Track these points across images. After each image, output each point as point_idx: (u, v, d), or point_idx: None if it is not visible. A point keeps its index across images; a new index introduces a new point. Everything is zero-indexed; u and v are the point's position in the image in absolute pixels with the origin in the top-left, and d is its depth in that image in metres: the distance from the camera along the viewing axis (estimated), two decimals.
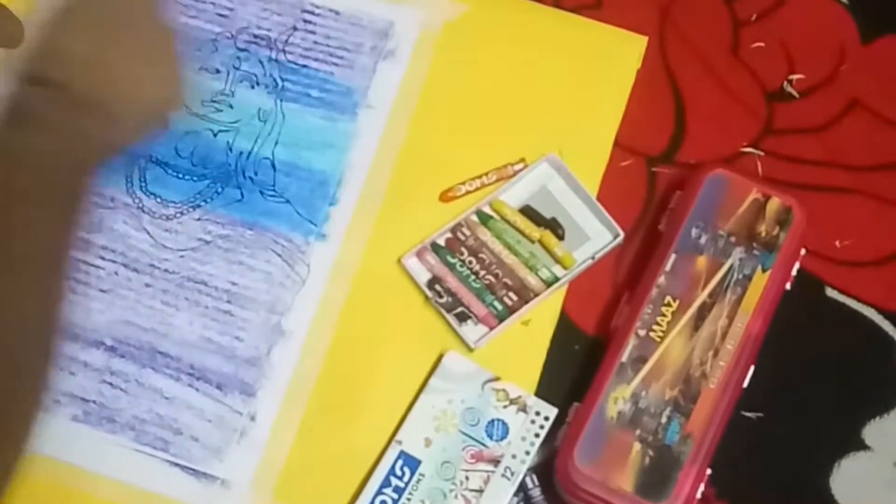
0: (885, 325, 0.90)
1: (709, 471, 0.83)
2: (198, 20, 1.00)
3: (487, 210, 0.93)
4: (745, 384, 0.85)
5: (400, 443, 0.85)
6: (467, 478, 0.84)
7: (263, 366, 0.89)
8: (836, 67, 0.98)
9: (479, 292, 0.90)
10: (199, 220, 0.93)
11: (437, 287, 0.90)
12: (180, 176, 0.94)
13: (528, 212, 0.93)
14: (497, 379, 0.87)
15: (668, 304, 0.86)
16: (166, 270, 0.92)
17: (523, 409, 0.86)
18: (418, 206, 0.94)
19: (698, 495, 0.82)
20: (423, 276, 0.91)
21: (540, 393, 0.88)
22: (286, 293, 0.91)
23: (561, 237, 0.92)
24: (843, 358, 0.90)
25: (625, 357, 0.85)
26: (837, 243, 0.93)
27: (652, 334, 0.85)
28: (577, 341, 0.90)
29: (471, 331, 0.89)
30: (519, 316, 0.89)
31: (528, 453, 0.85)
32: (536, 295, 0.89)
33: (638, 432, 0.83)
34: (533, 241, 0.92)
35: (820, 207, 0.91)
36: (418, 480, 0.84)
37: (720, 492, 0.85)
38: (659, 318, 0.86)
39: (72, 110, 0.74)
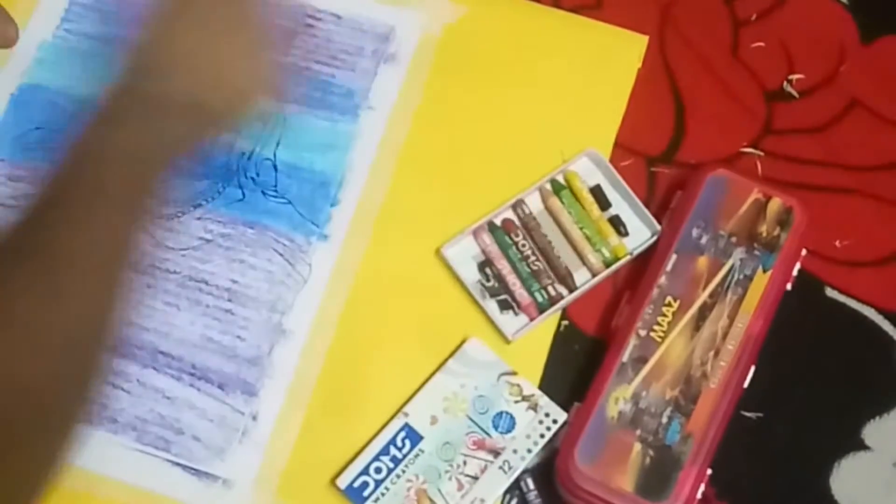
0: (885, 324, 0.91)
1: (709, 471, 0.83)
2: None
3: (560, 179, 0.93)
4: (746, 384, 0.85)
5: (406, 415, 0.86)
6: (465, 462, 0.85)
7: (265, 365, 0.89)
8: (836, 67, 0.98)
9: (527, 279, 0.90)
10: (199, 219, 0.93)
11: (488, 270, 0.90)
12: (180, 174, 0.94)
13: (596, 191, 0.93)
14: (514, 373, 0.87)
15: (669, 305, 0.86)
16: (167, 270, 0.92)
17: (534, 407, 0.87)
18: (419, 206, 0.94)
19: (699, 495, 0.82)
20: (476, 259, 0.91)
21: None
22: (288, 292, 0.91)
23: (623, 234, 0.91)
24: (843, 358, 0.90)
25: (625, 357, 0.85)
26: (837, 243, 0.93)
27: (653, 334, 0.86)
28: (577, 342, 0.90)
29: (510, 321, 0.89)
30: (558, 308, 0.89)
31: (529, 451, 0.85)
32: (595, 274, 0.90)
33: (638, 432, 0.83)
34: (593, 220, 0.91)
35: (819, 207, 0.91)
36: (417, 455, 0.85)
37: (720, 492, 0.85)
38: (660, 319, 0.86)
39: (155, 107, 0.73)
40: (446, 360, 0.88)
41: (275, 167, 0.95)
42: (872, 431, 0.88)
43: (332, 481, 0.85)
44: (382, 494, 0.84)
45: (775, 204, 0.89)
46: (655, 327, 0.86)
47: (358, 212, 0.93)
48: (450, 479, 0.85)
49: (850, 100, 0.97)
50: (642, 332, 0.86)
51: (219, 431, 0.87)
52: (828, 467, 0.87)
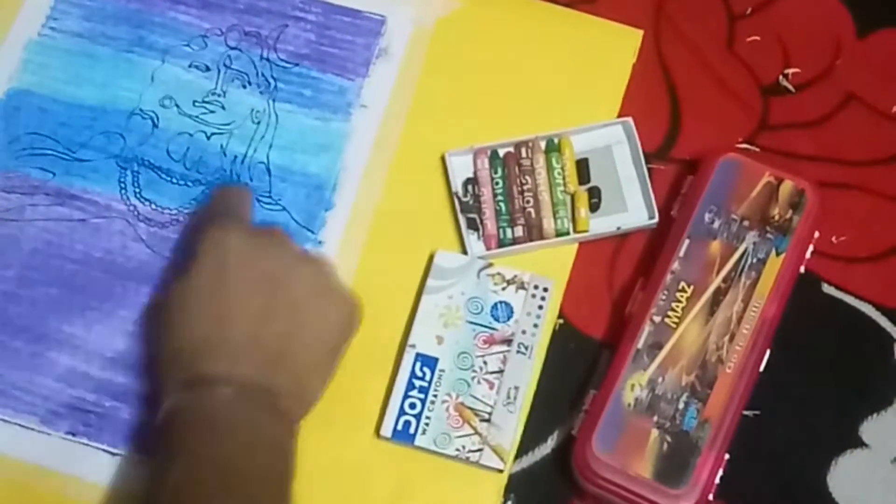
0: (883, 321, 0.91)
1: (727, 456, 0.83)
2: (187, 15, 0.99)
3: (556, 141, 0.94)
4: (761, 368, 0.86)
5: (413, 346, 0.88)
6: (485, 362, 0.87)
7: None
8: (832, 61, 0.98)
9: (500, 212, 0.91)
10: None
11: (470, 188, 0.92)
12: (174, 181, 0.94)
13: (581, 165, 0.93)
14: (490, 265, 0.90)
15: (683, 290, 0.86)
16: (165, 280, 0.90)
17: (522, 286, 0.89)
18: (414, 207, 0.93)
19: (717, 480, 0.83)
20: (464, 174, 0.93)
21: (538, 394, 0.88)
22: None
23: (594, 208, 0.92)
24: (840, 355, 0.90)
25: (640, 343, 0.85)
26: (834, 239, 0.93)
27: (667, 320, 0.86)
28: (573, 340, 0.90)
29: (475, 243, 0.91)
30: (519, 250, 0.91)
31: (536, 326, 0.88)
32: (544, 239, 0.91)
33: (655, 418, 0.83)
34: (567, 193, 0.92)
35: None
36: (440, 376, 0.87)
37: (718, 491, 0.85)
38: (674, 304, 0.86)
39: (255, 404, 0.77)
40: (424, 281, 0.90)
41: (268, 171, 0.94)
42: (870, 428, 0.88)
43: (376, 433, 0.87)
44: (427, 424, 0.86)
45: (787, 186, 0.89)
46: (670, 313, 0.86)
47: (353, 215, 0.93)
48: (478, 383, 0.87)
49: (847, 94, 0.97)
50: (657, 319, 0.86)
51: None
52: (825, 465, 0.87)
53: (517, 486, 0.87)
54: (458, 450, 0.85)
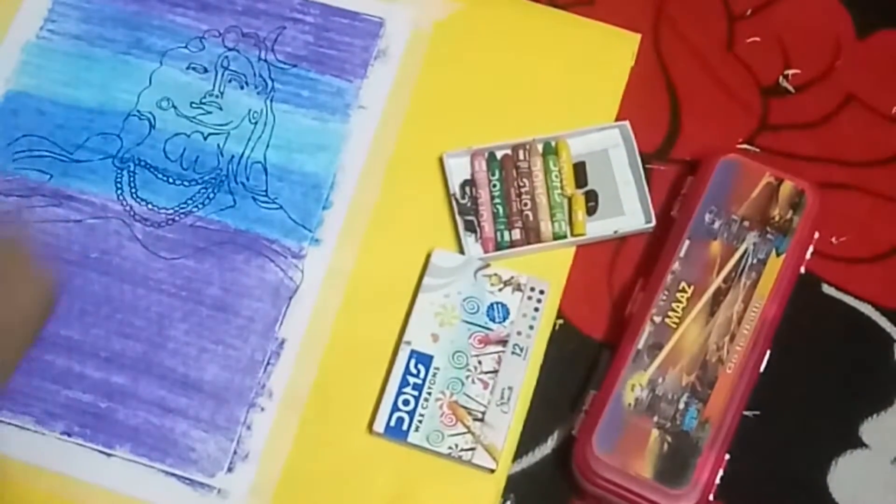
0: (882, 321, 0.90)
1: (727, 456, 0.83)
2: (185, 17, 0.99)
3: (553, 144, 0.94)
4: (762, 369, 0.86)
5: (409, 343, 0.88)
6: (480, 362, 0.87)
7: (258, 374, 0.88)
8: (832, 62, 0.98)
9: (497, 215, 0.91)
10: (191, 226, 0.92)
11: (468, 189, 0.92)
12: (171, 181, 0.93)
13: (578, 168, 0.93)
14: (487, 265, 0.90)
15: (683, 290, 0.86)
16: (160, 280, 0.91)
17: (518, 288, 0.89)
18: (411, 207, 0.93)
19: (717, 480, 0.83)
20: (461, 175, 0.93)
21: (538, 394, 0.88)
22: (281, 300, 0.90)
23: (591, 211, 0.92)
24: (840, 355, 0.90)
25: (641, 344, 0.85)
26: (833, 240, 0.92)
27: (667, 321, 0.86)
28: (573, 340, 0.90)
29: (472, 245, 0.91)
30: (516, 253, 0.91)
31: (531, 328, 0.88)
32: (541, 242, 0.91)
33: (656, 419, 0.83)
34: (565, 196, 0.92)
35: None
36: (434, 374, 0.87)
37: (718, 491, 0.85)
38: (674, 305, 0.86)
39: None
40: (421, 280, 0.89)
41: (265, 170, 0.94)
42: (870, 429, 0.88)
43: (368, 428, 0.86)
44: (420, 421, 0.86)
45: (787, 187, 0.89)
46: (670, 313, 0.86)
47: (350, 214, 0.93)
48: (472, 382, 0.87)
49: (846, 95, 0.97)
50: (657, 319, 0.86)
51: (213, 441, 0.87)
52: (825, 465, 0.87)
53: (517, 486, 0.86)
54: (450, 448, 0.85)
